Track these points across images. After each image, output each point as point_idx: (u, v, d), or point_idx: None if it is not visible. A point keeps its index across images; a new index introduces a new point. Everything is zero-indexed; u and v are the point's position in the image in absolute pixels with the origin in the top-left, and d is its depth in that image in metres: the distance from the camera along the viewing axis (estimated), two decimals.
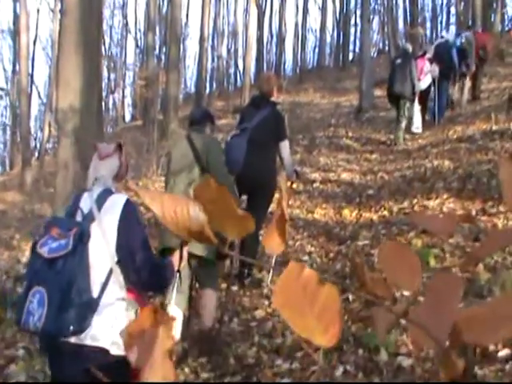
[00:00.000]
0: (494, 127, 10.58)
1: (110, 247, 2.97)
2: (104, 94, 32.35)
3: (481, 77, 14.94)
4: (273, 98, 6.50)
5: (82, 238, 2.88)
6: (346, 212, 8.31)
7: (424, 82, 12.54)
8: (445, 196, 7.51)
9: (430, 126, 13.09)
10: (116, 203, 3.07)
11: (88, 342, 2.82)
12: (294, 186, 10.43)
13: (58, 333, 2.78)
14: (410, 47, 12.21)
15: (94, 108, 9.05)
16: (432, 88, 12.97)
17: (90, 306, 2.82)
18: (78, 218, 3.06)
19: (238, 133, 6.28)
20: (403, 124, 12.23)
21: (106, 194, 3.12)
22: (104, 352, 2.84)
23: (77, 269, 2.83)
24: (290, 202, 8.89)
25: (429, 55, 12.98)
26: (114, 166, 3.25)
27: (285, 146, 6.36)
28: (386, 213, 7.70)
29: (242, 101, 23.26)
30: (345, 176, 10.88)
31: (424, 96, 12.88)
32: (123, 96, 42.77)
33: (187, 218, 0.76)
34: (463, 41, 13.82)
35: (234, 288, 6.10)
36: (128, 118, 41.21)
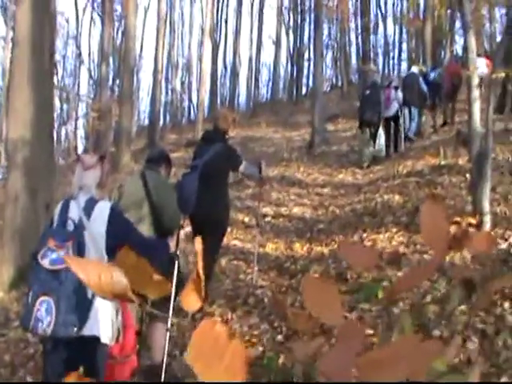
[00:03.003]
0: (443, 162, 10.78)
1: (100, 250, 3.40)
2: (56, 125, 31.98)
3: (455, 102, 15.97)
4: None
5: (80, 250, 3.31)
6: (297, 246, 8.36)
7: (391, 109, 13.61)
8: (394, 230, 7.62)
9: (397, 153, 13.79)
10: (103, 210, 3.53)
11: (85, 332, 3.29)
12: (246, 220, 10.47)
13: (65, 334, 3.25)
14: (378, 80, 13.26)
15: (45, 139, 8.94)
16: (400, 114, 13.90)
17: (87, 307, 3.29)
18: (70, 227, 3.45)
19: (188, 171, 6.28)
20: (371, 148, 13.46)
21: (92, 202, 3.55)
22: (95, 339, 3.35)
23: (78, 278, 3.11)
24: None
25: (394, 84, 14.06)
26: (96, 175, 3.67)
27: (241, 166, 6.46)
28: (336, 246, 7.75)
29: (195, 134, 23.24)
30: (296, 210, 10.94)
31: (388, 123, 13.86)
32: (76, 127, 42.36)
33: (111, 283, 0.86)
34: (436, 76, 15.46)
35: (185, 322, 6.06)
36: (80, 149, 40.84)
